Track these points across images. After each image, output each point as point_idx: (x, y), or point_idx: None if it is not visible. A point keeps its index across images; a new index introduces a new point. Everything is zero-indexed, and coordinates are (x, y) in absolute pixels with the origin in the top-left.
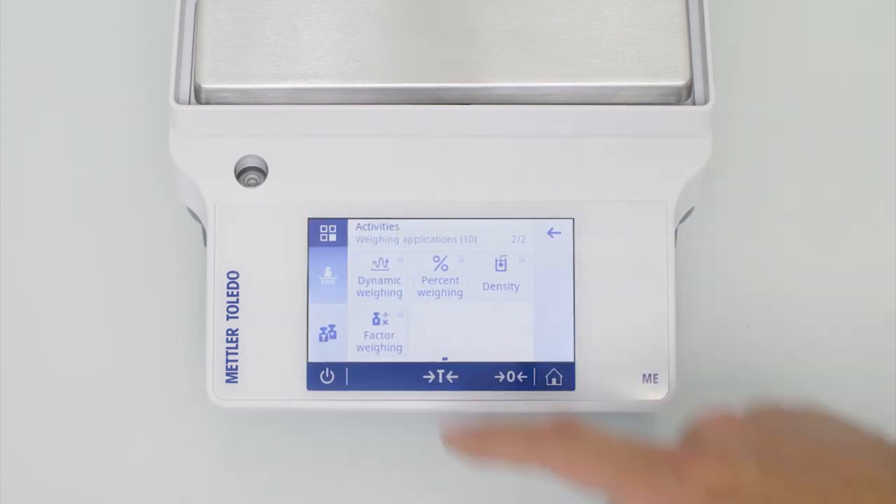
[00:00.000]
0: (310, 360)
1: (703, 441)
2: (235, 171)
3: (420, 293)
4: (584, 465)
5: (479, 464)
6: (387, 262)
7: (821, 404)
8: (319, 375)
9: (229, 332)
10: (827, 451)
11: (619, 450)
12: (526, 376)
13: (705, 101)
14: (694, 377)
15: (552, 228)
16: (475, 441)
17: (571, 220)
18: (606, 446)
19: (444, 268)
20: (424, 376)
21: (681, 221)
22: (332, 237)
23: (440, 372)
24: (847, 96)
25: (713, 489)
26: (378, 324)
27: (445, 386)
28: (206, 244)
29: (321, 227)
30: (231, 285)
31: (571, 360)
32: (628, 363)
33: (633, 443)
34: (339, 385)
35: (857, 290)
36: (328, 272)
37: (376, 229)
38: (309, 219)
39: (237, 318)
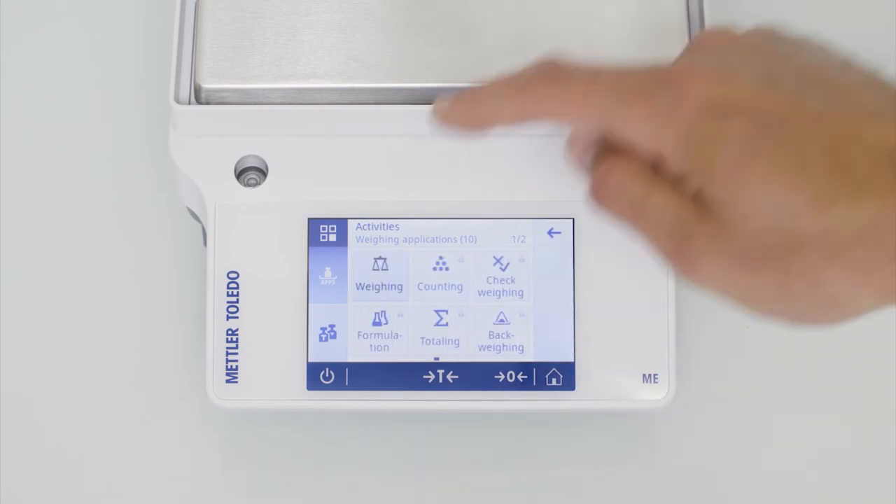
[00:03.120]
0: (310, 360)
1: (702, 56)
2: (235, 171)
3: (420, 293)
4: (578, 99)
5: (475, 133)
6: (387, 262)
7: (821, 38)
8: (319, 375)
9: (229, 332)
10: (828, 74)
11: (610, 76)
12: (526, 376)
13: None
14: (694, 377)
15: (552, 228)
16: (467, 107)
17: (571, 220)
18: (596, 75)
19: (444, 268)
20: (424, 376)
21: None
22: (332, 237)
23: (440, 372)
24: None
25: (712, 104)
26: (378, 324)
27: (445, 386)
28: (206, 244)
29: (321, 227)
30: (231, 285)
31: (571, 360)
32: (628, 363)
33: (623, 67)
34: (339, 385)
35: None
36: (328, 272)
37: (376, 229)
38: (309, 219)
39: (237, 318)
